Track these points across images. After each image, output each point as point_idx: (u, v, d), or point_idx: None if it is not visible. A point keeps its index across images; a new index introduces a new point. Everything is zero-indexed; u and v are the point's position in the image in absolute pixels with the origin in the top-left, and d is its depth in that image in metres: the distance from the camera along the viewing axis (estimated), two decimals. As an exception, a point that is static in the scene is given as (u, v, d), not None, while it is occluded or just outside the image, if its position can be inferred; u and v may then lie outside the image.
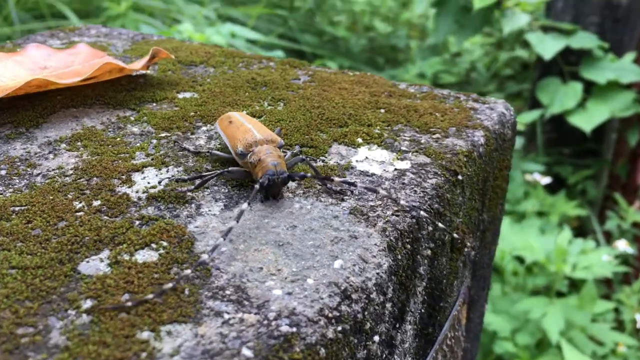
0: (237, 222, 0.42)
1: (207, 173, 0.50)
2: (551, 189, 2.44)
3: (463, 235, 0.57)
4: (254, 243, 0.43)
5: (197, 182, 0.49)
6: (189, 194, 0.48)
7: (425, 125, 0.61)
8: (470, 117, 0.63)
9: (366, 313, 0.42)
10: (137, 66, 0.61)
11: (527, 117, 2.47)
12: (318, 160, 0.54)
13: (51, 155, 0.52)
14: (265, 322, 0.37)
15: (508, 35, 3.13)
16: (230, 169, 0.49)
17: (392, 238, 0.46)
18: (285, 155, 0.51)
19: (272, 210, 0.47)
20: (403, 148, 0.57)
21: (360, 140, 0.57)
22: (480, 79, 3.05)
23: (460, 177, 0.55)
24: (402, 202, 0.49)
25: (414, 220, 0.48)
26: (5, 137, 0.55)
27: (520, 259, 1.94)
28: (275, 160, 0.48)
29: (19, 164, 0.51)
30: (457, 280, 0.60)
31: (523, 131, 2.66)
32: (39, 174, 0.50)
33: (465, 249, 0.60)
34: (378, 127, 0.60)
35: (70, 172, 0.50)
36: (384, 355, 0.46)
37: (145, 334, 0.35)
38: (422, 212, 0.49)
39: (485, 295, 0.76)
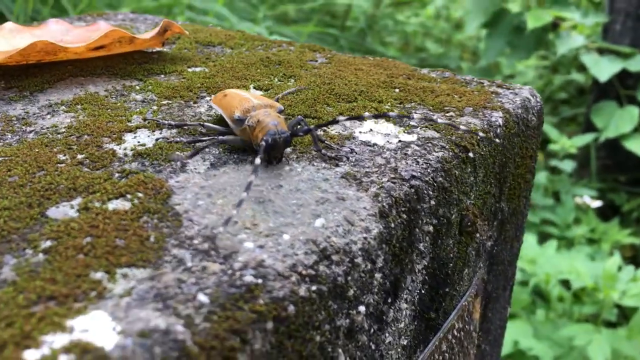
0: (255, 175, 0.39)
1: (202, 139, 0.48)
2: (604, 216, 2.35)
3: (474, 218, 0.54)
4: (234, 199, 0.41)
5: (191, 150, 0.46)
6: (179, 162, 0.45)
7: (440, 105, 0.58)
8: (491, 100, 0.60)
9: (349, 278, 0.39)
10: (146, 36, 0.61)
11: (580, 140, 2.39)
12: (320, 129, 0.52)
13: (48, 116, 0.52)
14: (230, 271, 0.34)
15: (563, 57, 3.05)
16: (226, 137, 0.47)
17: (384, 204, 0.43)
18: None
19: (260, 171, 0.45)
20: (412, 123, 0.54)
21: (367, 114, 0.55)
22: (533, 101, 2.97)
23: (471, 154, 0.52)
24: (401, 171, 0.46)
25: (413, 190, 0.45)
26: (8, 99, 0.55)
27: (567, 285, 1.86)
28: (275, 120, 0.45)
29: (15, 122, 0.51)
30: (467, 268, 0.56)
31: (575, 155, 2.57)
32: (32, 130, 0.49)
33: (478, 235, 0.56)
34: (389, 104, 0.57)
35: (63, 130, 0.49)
36: (372, 330, 0.43)
37: (99, 275, 0.33)
38: (420, 183, 0.46)
39: (507, 296, 0.72)
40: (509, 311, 0.75)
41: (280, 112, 0.49)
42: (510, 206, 0.63)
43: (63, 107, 0.53)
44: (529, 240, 1.88)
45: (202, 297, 0.32)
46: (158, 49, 0.67)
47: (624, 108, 2.42)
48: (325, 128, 0.52)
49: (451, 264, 0.52)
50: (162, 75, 0.61)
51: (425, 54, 3.14)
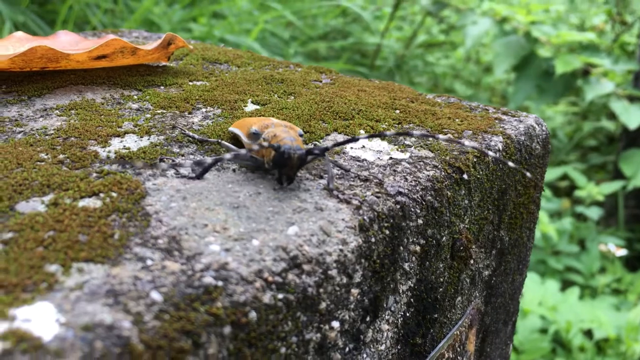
0: (232, 161, 0.37)
1: (210, 159, 0.44)
2: (632, 266, 2.29)
3: (468, 243, 0.52)
4: (208, 203, 0.40)
5: (199, 170, 0.43)
6: (191, 181, 0.42)
7: (438, 126, 0.57)
8: (493, 125, 0.59)
9: (321, 290, 0.38)
10: (149, 47, 0.61)
11: (608, 187, 2.34)
12: (311, 143, 0.51)
13: (41, 119, 0.52)
14: (190, 272, 0.33)
15: (593, 104, 3.02)
16: (236, 153, 0.42)
17: (365, 218, 0.42)
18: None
19: (240, 178, 0.44)
20: (407, 143, 0.53)
21: (362, 132, 0.54)
22: (561, 147, 2.94)
23: (465, 176, 0.50)
24: (387, 187, 0.45)
25: (398, 207, 0.44)
26: (6, 102, 0.55)
27: (590, 335, 1.80)
28: (292, 137, 0.42)
29: (7, 123, 0.51)
30: (461, 296, 0.54)
31: (603, 203, 2.52)
32: (21, 131, 0.49)
33: (472, 262, 0.54)
34: (386, 123, 0.56)
35: (52, 132, 0.49)
36: (348, 349, 0.41)
37: (53, 267, 0.32)
38: (407, 200, 0.44)
39: (508, 332, 0.69)
40: (510, 348, 0.72)
41: (300, 135, 0.48)
42: (511, 236, 0.61)
43: (57, 111, 0.53)
44: (552, 286, 1.84)
45: (156, 295, 0.31)
46: (164, 63, 0.67)
47: (653, 157, 2.38)
48: (316, 142, 0.51)
49: (441, 289, 0.50)
50: (162, 87, 0.60)
51: (453, 95, 3.13)
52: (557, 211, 2.49)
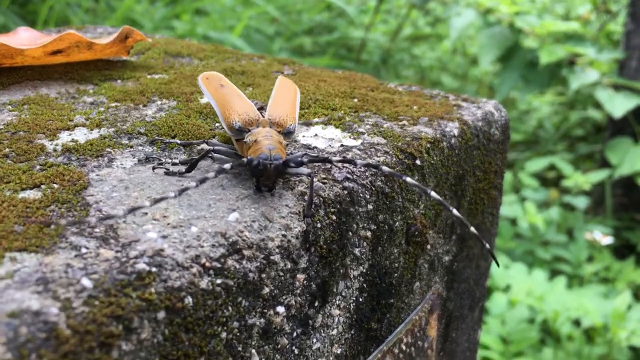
0: (197, 185, 0.36)
1: (195, 157, 0.44)
2: (620, 255, 2.29)
3: (423, 228, 0.52)
4: (150, 192, 0.40)
5: (185, 167, 0.43)
6: (135, 171, 0.42)
7: (395, 114, 0.57)
8: (450, 111, 0.59)
9: (264, 275, 0.38)
10: (105, 41, 0.61)
11: (594, 176, 2.35)
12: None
13: (-7, 114, 0.51)
14: (124, 259, 0.33)
15: (579, 94, 3.02)
16: (217, 149, 0.43)
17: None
18: (288, 150, 0.45)
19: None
20: (361, 130, 0.53)
21: (317, 119, 0.54)
22: (548, 137, 2.94)
23: (418, 162, 0.51)
24: (337, 174, 0.45)
25: (346, 192, 0.44)
26: (-41, 99, 0.55)
27: (579, 324, 1.80)
28: (273, 145, 0.41)
29: (-42, 119, 0.50)
30: (420, 281, 0.54)
31: (591, 192, 2.53)
32: (-29, 127, 0.49)
33: (429, 247, 0.54)
34: (342, 112, 0.56)
35: (1, 126, 0.49)
36: (295, 334, 0.41)
37: (-15, 257, 0.32)
38: (355, 185, 0.44)
39: (476, 317, 0.69)
40: (479, 334, 0.72)
41: (289, 132, 0.46)
42: (472, 222, 0.61)
43: (9, 106, 0.53)
44: (539, 276, 1.84)
45: (86, 282, 0.31)
46: (124, 57, 0.67)
47: (639, 145, 2.38)
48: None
49: (396, 274, 0.51)
50: (119, 81, 0.60)
51: (440, 88, 3.14)
52: (545, 201, 2.50)
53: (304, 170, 0.42)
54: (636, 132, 2.45)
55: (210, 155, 0.42)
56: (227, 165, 0.38)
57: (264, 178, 0.40)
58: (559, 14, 3.35)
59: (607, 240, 2.01)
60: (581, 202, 2.35)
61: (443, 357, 0.63)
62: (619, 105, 2.35)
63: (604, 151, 2.51)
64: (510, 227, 2.16)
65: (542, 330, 1.84)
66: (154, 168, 0.43)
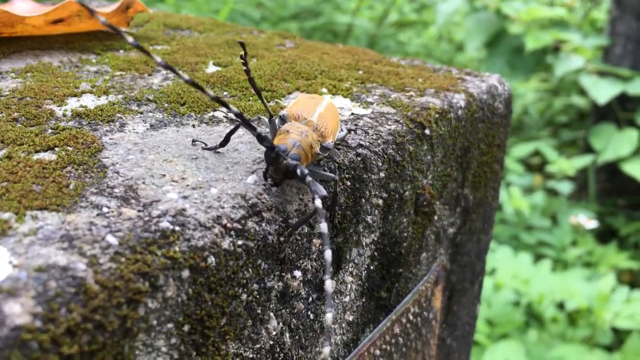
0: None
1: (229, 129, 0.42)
2: (603, 240, 2.32)
3: (431, 198, 0.52)
4: (166, 155, 0.40)
5: (221, 140, 0.41)
6: (149, 135, 0.42)
7: (401, 85, 0.57)
8: (455, 84, 0.59)
9: (282, 239, 0.38)
10: (107, 10, 0.60)
11: (578, 162, 2.37)
12: (272, 101, 0.51)
13: (-4, 82, 0.51)
14: (147, 218, 0.33)
15: (564, 81, 3.04)
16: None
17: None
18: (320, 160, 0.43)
19: (199, 132, 0.43)
20: (369, 100, 0.53)
21: (324, 90, 0.54)
22: (532, 123, 2.96)
23: (427, 131, 0.51)
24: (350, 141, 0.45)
25: (360, 159, 0.44)
26: (-40, 68, 0.54)
27: (563, 307, 1.82)
28: (299, 143, 0.38)
29: (-39, 86, 0.50)
30: (426, 252, 0.55)
31: (575, 178, 2.55)
32: (-24, 93, 0.48)
33: (436, 218, 0.54)
34: (349, 82, 0.56)
35: (7, 93, 0.48)
36: (311, 299, 0.41)
37: (6, 215, 0.31)
38: (368, 152, 0.44)
39: (476, 291, 0.70)
40: (479, 308, 0.73)
41: (326, 148, 0.41)
42: (475, 195, 0.62)
43: (13, 74, 0.52)
44: (524, 260, 1.86)
45: (111, 239, 0.31)
46: (124, 29, 0.66)
47: (623, 131, 2.40)
48: (278, 100, 0.51)
49: (405, 244, 0.51)
50: (122, 51, 0.60)
51: (418, 58, 3.13)
52: (529, 187, 2.52)
53: (330, 175, 0.40)
54: (620, 118, 2.48)
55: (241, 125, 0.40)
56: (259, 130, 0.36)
57: (272, 168, 0.37)
58: (544, 1, 3.37)
59: (592, 224, 2.03)
60: (565, 188, 2.37)
61: (445, 329, 0.64)
62: (603, 91, 2.37)
63: (587, 137, 2.53)
64: (496, 213, 2.18)
65: (526, 313, 1.86)
66: (193, 141, 0.42)
